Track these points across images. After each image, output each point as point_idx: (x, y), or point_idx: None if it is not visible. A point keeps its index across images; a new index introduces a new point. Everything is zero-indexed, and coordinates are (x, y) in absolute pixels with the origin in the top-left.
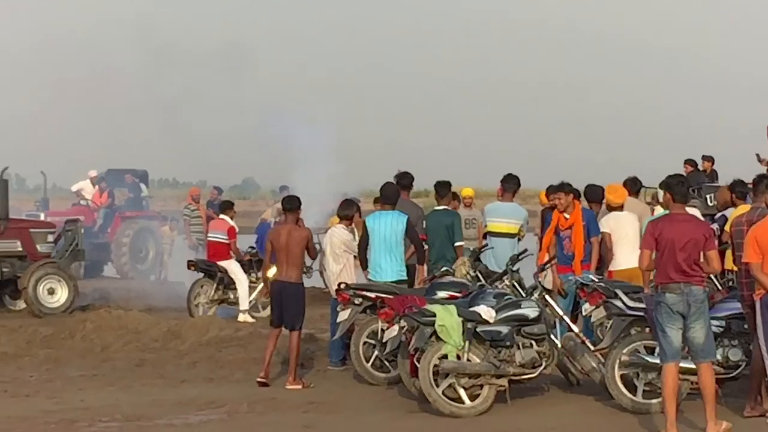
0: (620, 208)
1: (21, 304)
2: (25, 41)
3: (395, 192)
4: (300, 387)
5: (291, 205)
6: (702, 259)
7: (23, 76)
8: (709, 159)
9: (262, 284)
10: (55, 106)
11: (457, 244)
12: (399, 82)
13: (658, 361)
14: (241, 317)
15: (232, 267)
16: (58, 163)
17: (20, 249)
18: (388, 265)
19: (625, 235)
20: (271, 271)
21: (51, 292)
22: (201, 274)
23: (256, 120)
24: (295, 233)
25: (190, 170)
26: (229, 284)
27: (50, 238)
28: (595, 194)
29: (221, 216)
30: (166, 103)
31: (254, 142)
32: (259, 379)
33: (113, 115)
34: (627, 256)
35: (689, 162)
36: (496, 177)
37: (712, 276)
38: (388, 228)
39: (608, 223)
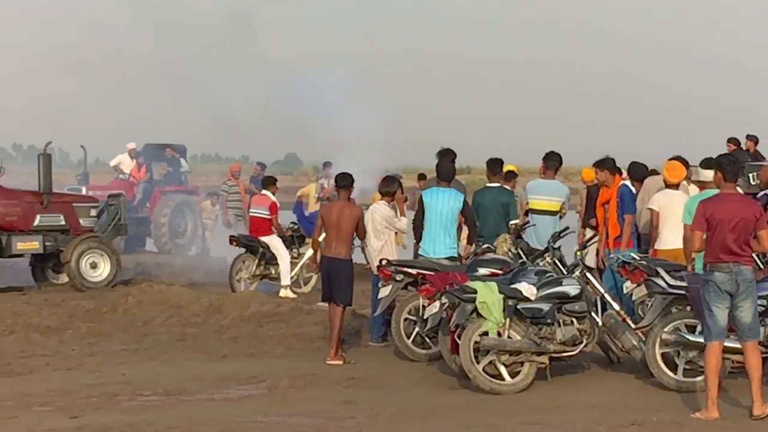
0: (676, 186)
1: (63, 278)
2: (65, 17)
3: (452, 169)
4: (341, 362)
5: (345, 182)
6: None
7: (65, 52)
8: (752, 138)
9: (304, 260)
10: (98, 81)
11: (512, 222)
12: (437, 54)
13: (699, 339)
14: (283, 293)
15: (274, 242)
16: (100, 137)
17: (63, 223)
18: (442, 242)
19: (675, 214)
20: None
21: (93, 266)
22: (243, 250)
23: (298, 96)
24: (347, 210)
25: (233, 145)
26: (270, 260)
27: (93, 212)
28: (637, 172)
29: (263, 191)
30: (208, 78)
31: (297, 118)
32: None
33: (155, 90)
34: (675, 235)
35: (732, 141)
36: (537, 154)
37: (753, 255)
38: (445, 205)
39: (659, 200)
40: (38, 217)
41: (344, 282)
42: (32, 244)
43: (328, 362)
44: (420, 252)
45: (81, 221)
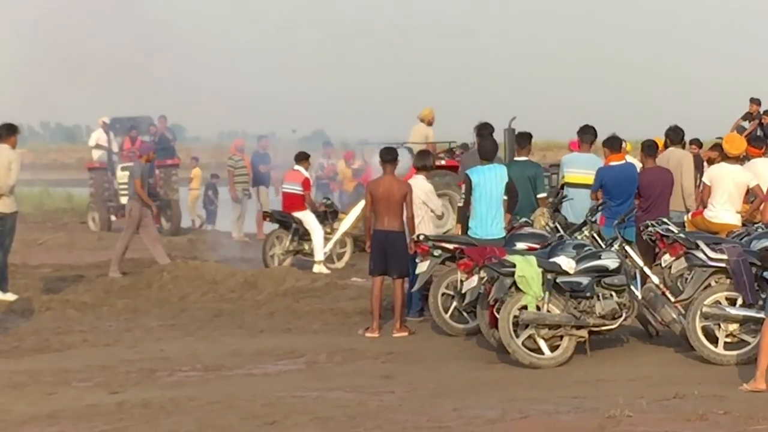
0: (737, 159)
1: None
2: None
3: (494, 147)
4: (406, 334)
5: (390, 156)
6: None
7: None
8: (756, 102)
9: (337, 235)
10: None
11: (540, 195)
12: (469, 25)
13: (740, 312)
14: (316, 268)
15: (308, 218)
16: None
17: None
18: (494, 221)
19: (725, 188)
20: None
21: None
22: (276, 225)
23: (331, 74)
24: (395, 184)
25: (258, 122)
26: (303, 235)
27: None
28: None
29: (296, 167)
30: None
31: (327, 95)
32: (372, 334)
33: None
34: (726, 208)
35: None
36: (562, 129)
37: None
38: (493, 183)
39: (710, 173)
40: None
41: (401, 254)
42: None
43: (394, 335)
44: (470, 234)
45: None
